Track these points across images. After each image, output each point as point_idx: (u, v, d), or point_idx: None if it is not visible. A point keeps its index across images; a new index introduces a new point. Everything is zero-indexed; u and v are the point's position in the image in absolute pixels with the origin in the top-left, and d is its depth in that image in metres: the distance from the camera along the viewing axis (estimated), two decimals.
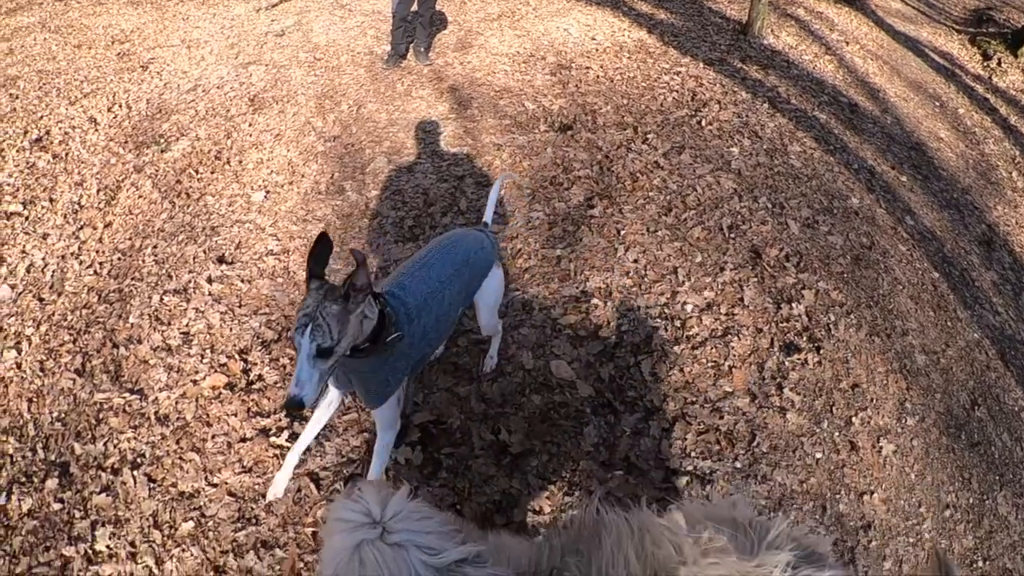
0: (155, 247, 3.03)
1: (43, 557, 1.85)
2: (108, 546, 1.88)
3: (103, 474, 2.06)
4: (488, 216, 2.16)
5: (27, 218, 3.17)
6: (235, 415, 2.25)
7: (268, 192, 3.45)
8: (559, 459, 2.20)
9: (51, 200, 3.30)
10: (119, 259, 2.97)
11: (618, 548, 1.07)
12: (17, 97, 4.23)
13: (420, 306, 1.65)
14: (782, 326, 2.80)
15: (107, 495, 2.00)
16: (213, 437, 2.18)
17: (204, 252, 2.99)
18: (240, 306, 2.71)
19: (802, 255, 3.20)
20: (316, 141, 3.92)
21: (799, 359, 2.67)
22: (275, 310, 2.69)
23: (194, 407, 2.27)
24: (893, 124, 5.06)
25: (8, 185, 3.38)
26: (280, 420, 2.23)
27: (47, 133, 3.86)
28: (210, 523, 1.95)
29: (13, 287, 2.77)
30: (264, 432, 2.20)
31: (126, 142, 3.84)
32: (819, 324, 2.85)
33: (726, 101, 4.53)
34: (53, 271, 2.87)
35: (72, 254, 2.98)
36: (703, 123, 4.22)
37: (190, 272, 2.87)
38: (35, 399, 2.31)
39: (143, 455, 2.12)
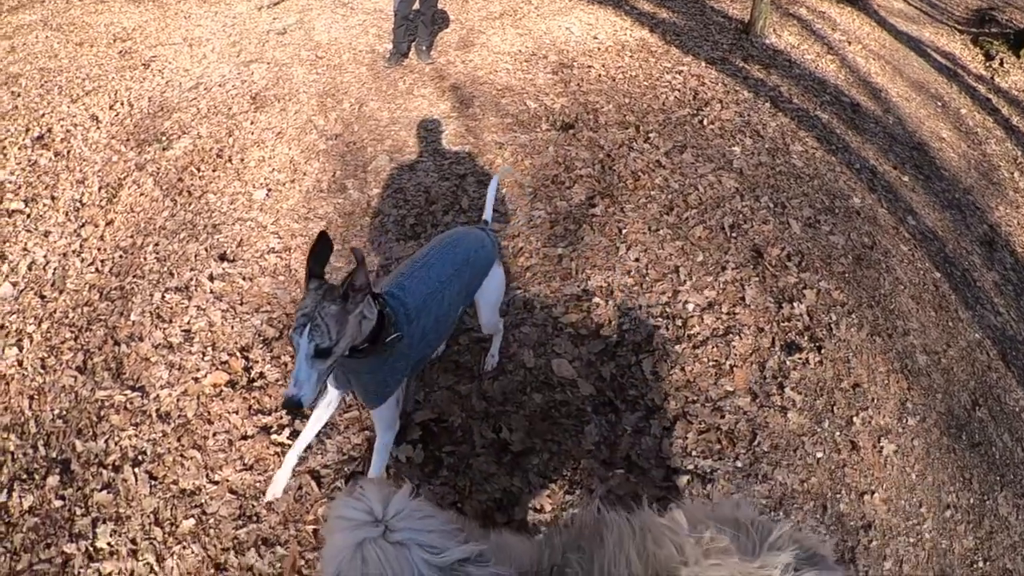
0: (157, 245, 3.03)
1: (44, 554, 1.85)
2: (109, 543, 1.88)
3: (104, 471, 2.07)
4: (488, 213, 2.15)
5: (29, 216, 3.17)
6: (236, 413, 2.25)
7: (270, 190, 3.45)
8: (560, 457, 2.20)
9: (53, 198, 3.30)
10: (120, 257, 2.97)
11: (620, 547, 1.07)
12: (19, 95, 4.23)
13: (419, 307, 1.64)
14: (783, 325, 2.80)
15: (108, 492, 2.00)
16: (214, 434, 2.18)
17: (206, 250, 2.99)
18: (241, 304, 2.71)
19: (804, 255, 3.19)
20: (318, 139, 3.91)
21: (800, 358, 2.67)
22: (276, 308, 2.69)
23: (195, 404, 2.28)
24: (895, 124, 5.05)
25: (10, 183, 3.38)
26: (281, 418, 2.23)
27: (49, 131, 3.86)
28: (211, 520, 1.95)
29: (15, 284, 2.77)
30: (265, 430, 2.20)
31: (128, 140, 3.84)
32: (820, 324, 2.85)
33: (728, 100, 4.52)
34: (55, 268, 2.87)
35: (74, 251, 2.98)
36: (705, 122, 4.21)
37: (192, 270, 2.87)
38: (36, 396, 2.31)
39: (144, 452, 2.13)
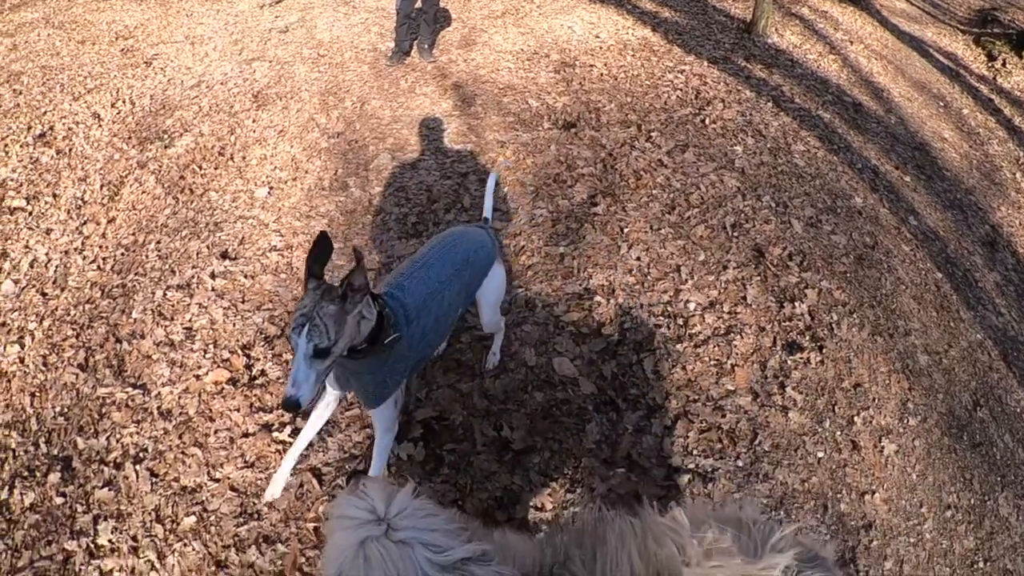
0: (158, 242, 3.03)
1: (45, 551, 1.85)
2: (110, 540, 1.88)
3: (105, 469, 2.07)
4: (487, 211, 2.15)
5: (30, 213, 3.17)
6: (237, 410, 2.25)
7: (271, 188, 3.45)
8: (561, 456, 2.20)
9: (54, 195, 3.31)
10: (122, 254, 2.97)
11: (622, 546, 1.07)
12: (21, 92, 4.23)
13: (419, 307, 1.64)
14: (785, 325, 2.80)
15: (109, 489, 2.00)
16: (215, 432, 2.18)
17: (207, 248, 2.99)
18: (243, 301, 2.71)
19: (805, 254, 3.19)
20: (320, 137, 3.91)
21: (801, 358, 2.67)
22: (278, 306, 2.69)
23: (197, 402, 2.28)
24: (897, 124, 5.04)
25: (12, 180, 3.38)
26: (282, 416, 2.23)
27: (51, 128, 3.86)
28: (212, 518, 1.95)
29: (16, 282, 2.78)
30: (266, 427, 2.20)
31: (130, 138, 3.84)
32: (822, 323, 2.85)
33: (730, 100, 4.52)
34: (56, 266, 2.88)
35: (75, 249, 2.98)
36: (707, 121, 4.21)
37: (193, 267, 2.87)
38: (38, 394, 2.32)
39: (145, 450, 2.13)
